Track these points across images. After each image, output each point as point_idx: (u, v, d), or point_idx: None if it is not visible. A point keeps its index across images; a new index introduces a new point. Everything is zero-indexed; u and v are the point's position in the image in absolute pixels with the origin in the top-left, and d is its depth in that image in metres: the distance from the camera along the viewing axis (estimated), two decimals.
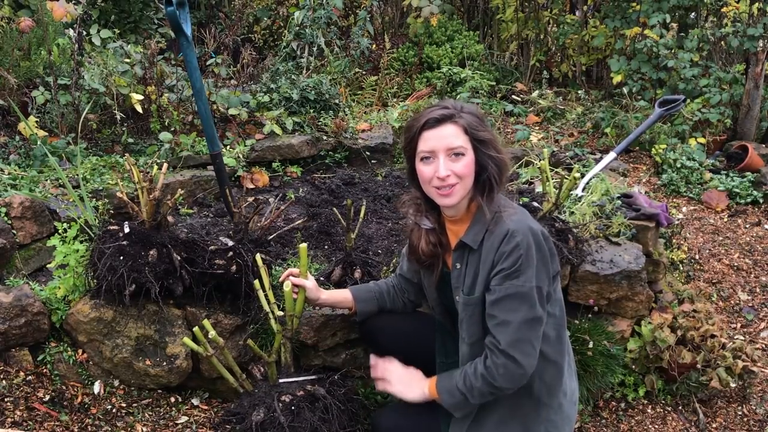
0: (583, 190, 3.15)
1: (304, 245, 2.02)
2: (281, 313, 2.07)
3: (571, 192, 2.99)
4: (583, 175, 3.29)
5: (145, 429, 2.28)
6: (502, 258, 1.73)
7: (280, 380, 2.11)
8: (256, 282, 2.11)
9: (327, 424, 1.99)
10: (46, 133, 3.60)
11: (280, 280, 2.09)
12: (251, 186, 3.69)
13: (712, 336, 2.67)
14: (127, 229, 2.22)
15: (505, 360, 1.74)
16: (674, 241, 3.55)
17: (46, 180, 3.21)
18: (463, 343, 1.89)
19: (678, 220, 3.89)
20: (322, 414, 2.00)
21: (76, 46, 3.73)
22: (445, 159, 1.75)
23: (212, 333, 1.95)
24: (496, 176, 1.79)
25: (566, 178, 2.57)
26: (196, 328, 1.97)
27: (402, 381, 1.96)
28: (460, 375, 1.84)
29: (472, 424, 1.88)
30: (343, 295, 2.16)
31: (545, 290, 1.76)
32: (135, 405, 2.35)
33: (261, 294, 2.10)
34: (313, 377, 2.14)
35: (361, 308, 2.16)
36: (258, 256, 2.12)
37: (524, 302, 1.72)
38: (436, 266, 1.96)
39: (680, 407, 2.67)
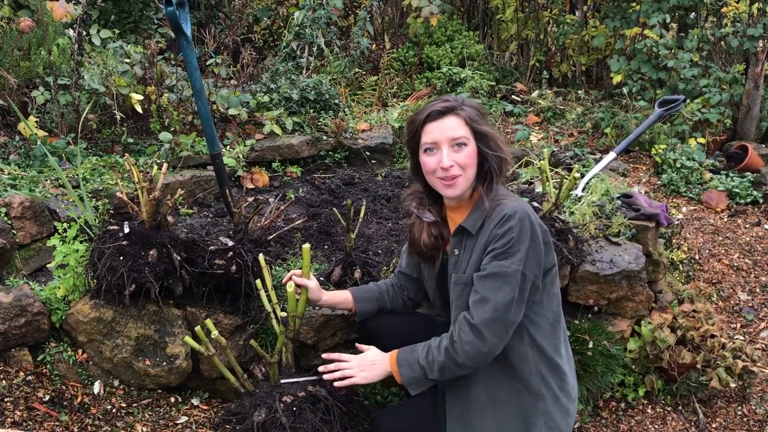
0: (583, 190, 3.15)
1: (307, 246, 2.02)
2: (284, 314, 2.07)
3: (571, 192, 2.99)
4: (583, 175, 3.29)
5: (145, 429, 2.27)
6: (495, 239, 1.77)
7: (282, 381, 2.10)
8: (258, 282, 2.11)
9: (328, 425, 1.98)
10: (46, 133, 3.60)
11: (284, 281, 2.10)
12: (251, 186, 3.69)
13: (712, 336, 2.67)
14: (127, 229, 2.22)
15: (474, 337, 1.75)
16: (674, 241, 3.55)
17: (46, 180, 3.21)
18: (447, 326, 1.91)
19: (678, 220, 3.89)
20: (324, 415, 1.99)
21: (76, 46, 3.72)
22: (448, 150, 1.79)
23: (215, 333, 1.95)
24: (496, 168, 1.83)
25: (566, 178, 2.57)
26: (197, 328, 1.97)
27: (362, 367, 1.93)
28: (423, 348, 1.86)
29: (471, 420, 1.89)
30: (343, 296, 2.17)
31: (530, 278, 1.77)
32: (135, 405, 2.34)
33: (263, 294, 2.10)
34: (314, 378, 2.13)
35: (361, 308, 2.16)
36: (261, 257, 2.12)
37: (507, 283, 1.74)
38: (437, 258, 2.00)
39: (680, 407, 2.67)
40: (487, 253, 1.79)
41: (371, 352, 1.97)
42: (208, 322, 1.97)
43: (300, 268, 2.09)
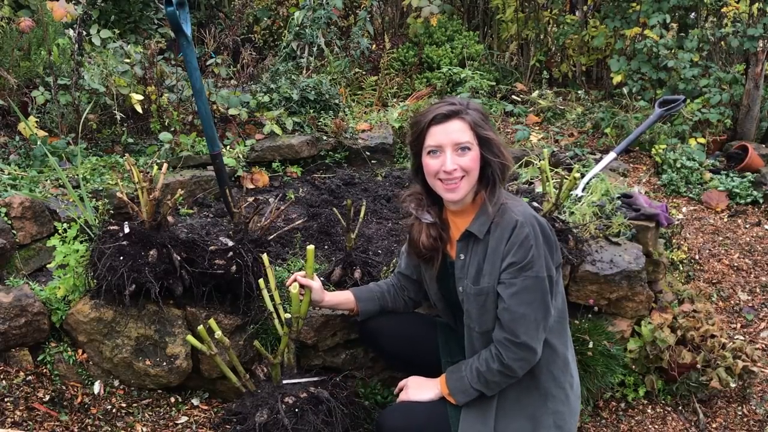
0: (583, 190, 3.15)
1: (311, 247, 2.03)
2: (288, 315, 2.07)
3: (571, 192, 2.99)
4: (583, 175, 3.28)
5: (145, 429, 2.27)
6: (513, 249, 1.78)
7: (284, 381, 2.10)
8: (261, 282, 2.11)
9: (330, 427, 1.98)
10: (46, 133, 3.60)
11: (287, 283, 2.10)
12: (251, 186, 3.69)
13: (712, 336, 2.67)
14: (127, 229, 2.22)
15: (524, 353, 1.80)
16: (674, 241, 3.55)
17: (46, 180, 3.20)
18: (473, 332, 1.92)
19: (678, 220, 3.89)
20: (326, 417, 1.99)
21: (76, 46, 3.72)
22: (452, 153, 1.80)
23: (218, 333, 1.94)
24: (499, 174, 1.85)
25: (566, 178, 2.57)
26: (200, 327, 1.96)
27: (415, 386, 2.02)
28: (471, 373, 1.88)
29: (482, 419, 1.89)
30: (345, 296, 2.18)
31: (553, 277, 1.83)
32: (135, 405, 2.34)
33: (266, 294, 2.10)
34: (316, 379, 2.13)
35: (363, 308, 2.17)
36: (265, 257, 2.12)
37: (538, 292, 1.79)
38: (436, 259, 2.01)
39: (680, 407, 2.67)
40: (507, 265, 1.80)
41: (416, 377, 2.04)
42: (212, 322, 1.97)
43: (301, 269, 2.09)
